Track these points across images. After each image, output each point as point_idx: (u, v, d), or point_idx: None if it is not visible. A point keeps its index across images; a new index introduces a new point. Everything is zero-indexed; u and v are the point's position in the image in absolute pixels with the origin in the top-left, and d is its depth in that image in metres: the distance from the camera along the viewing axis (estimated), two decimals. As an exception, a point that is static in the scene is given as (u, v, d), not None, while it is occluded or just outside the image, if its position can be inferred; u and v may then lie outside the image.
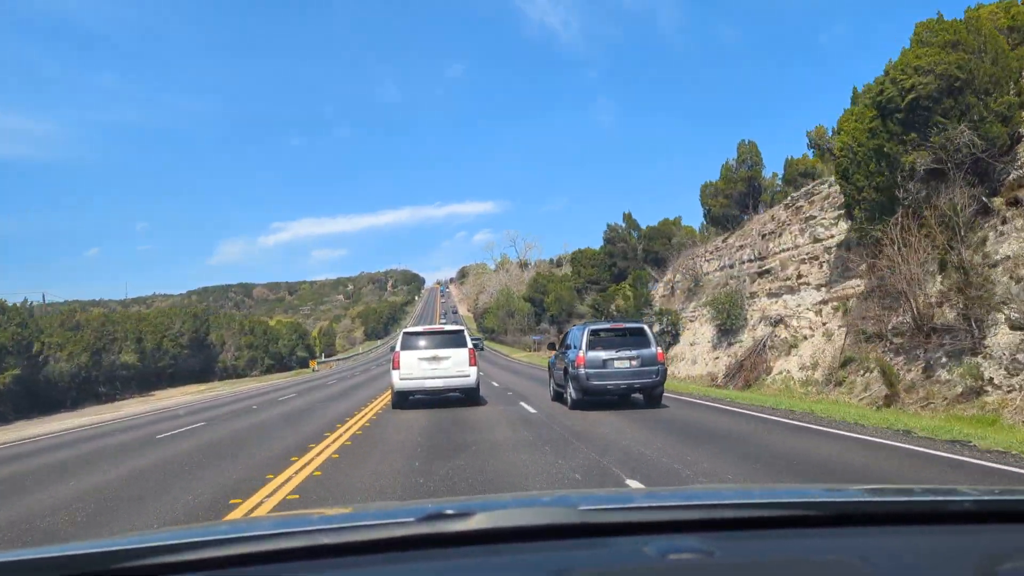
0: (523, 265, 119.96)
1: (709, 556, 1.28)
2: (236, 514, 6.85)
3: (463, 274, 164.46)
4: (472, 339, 18.38)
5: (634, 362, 15.68)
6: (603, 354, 15.66)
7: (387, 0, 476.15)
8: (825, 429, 11.40)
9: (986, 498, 1.59)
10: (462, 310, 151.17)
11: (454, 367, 16.93)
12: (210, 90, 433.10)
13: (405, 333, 17.86)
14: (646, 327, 16.83)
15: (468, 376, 16.99)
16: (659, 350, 15.92)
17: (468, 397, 17.58)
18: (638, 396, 16.41)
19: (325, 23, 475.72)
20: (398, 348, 17.13)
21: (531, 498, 2.42)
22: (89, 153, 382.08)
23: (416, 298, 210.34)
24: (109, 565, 1.29)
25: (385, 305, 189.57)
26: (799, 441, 10.37)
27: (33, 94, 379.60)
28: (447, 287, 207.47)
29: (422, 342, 17.29)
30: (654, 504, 1.65)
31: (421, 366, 16.88)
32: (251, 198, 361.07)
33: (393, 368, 17.02)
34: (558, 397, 17.83)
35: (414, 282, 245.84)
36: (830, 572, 1.29)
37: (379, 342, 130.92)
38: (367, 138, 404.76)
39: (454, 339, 17.36)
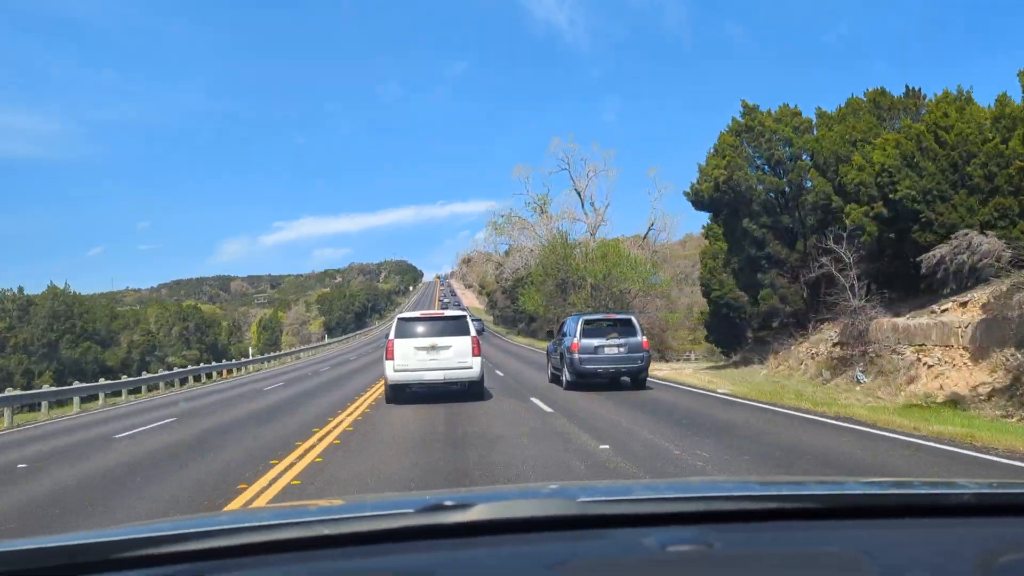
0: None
1: (708, 548, 1.26)
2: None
3: (467, 261, 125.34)
4: (472, 319, 16.94)
5: (622, 349, 17.49)
6: (595, 341, 17.44)
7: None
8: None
9: (986, 491, 1.58)
10: (469, 300, 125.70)
11: (455, 357, 15.34)
12: (212, 88, 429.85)
13: (400, 319, 16.20)
14: (633, 318, 19.09)
15: (471, 368, 15.45)
16: (644, 339, 17.96)
17: (471, 391, 16.08)
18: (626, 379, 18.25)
19: (328, 20, 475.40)
20: (392, 336, 15.60)
21: (530, 490, 2.28)
22: (91, 151, 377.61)
23: (411, 288, 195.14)
24: (108, 555, 1.26)
25: (360, 290, 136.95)
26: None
27: (34, 91, 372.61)
28: (447, 279, 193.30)
29: (419, 329, 15.64)
30: (653, 496, 1.62)
31: (418, 356, 15.26)
32: (253, 197, 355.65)
33: (387, 358, 15.58)
34: (555, 379, 19.56)
35: (409, 273, 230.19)
36: (829, 564, 1.27)
37: (326, 341, 75.32)
38: (370, 136, 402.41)
39: (455, 326, 15.80)
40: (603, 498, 1.57)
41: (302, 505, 2.11)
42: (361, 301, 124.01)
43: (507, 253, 70.44)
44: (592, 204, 66.75)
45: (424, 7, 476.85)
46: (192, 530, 1.35)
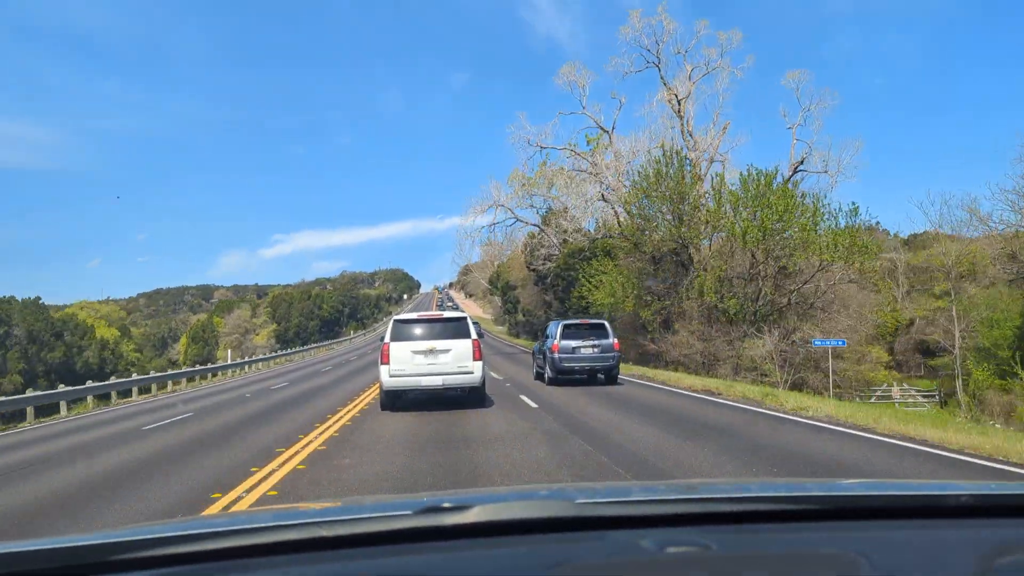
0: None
1: (707, 549, 1.28)
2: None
3: (466, 271, 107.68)
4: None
5: (595, 349, 19.81)
6: (573, 343, 19.78)
7: (391, 10, 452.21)
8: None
9: (983, 492, 1.60)
10: (472, 311, 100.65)
11: (455, 362, 14.54)
12: (213, 99, 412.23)
13: (396, 321, 15.48)
14: (606, 323, 21.28)
15: (472, 373, 14.65)
16: (615, 341, 20.45)
17: (471, 397, 15.37)
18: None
19: (329, 33, 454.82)
20: (387, 339, 14.84)
21: (528, 491, 2.25)
22: (91, 162, 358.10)
23: (405, 297, 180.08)
24: (107, 557, 1.29)
25: (332, 292, 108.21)
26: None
27: (36, 101, 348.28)
28: (446, 289, 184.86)
29: (416, 331, 14.88)
30: (651, 498, 1.63)
31: (415, 360, 14.49)
32: (252, 209, 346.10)
33: (382, 363, 14.77)
34: (539, 376, 21.98)
35: (404, 281, 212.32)
36: (827, 565, 1.29)
37: (223, 364, 44.71)
38: (370, 148, 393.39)
39: (455, 328, 14.95)
40: (601, 500, 1.58)
41: (300, 507, 2.10)
42: (333, 306, 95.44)
43: (546, 219, 42.81)
44: (689, 133, 39.12)
45: (425, 18, 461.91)
46: (190, 532, 1.37)
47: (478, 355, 14.53)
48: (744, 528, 1.40)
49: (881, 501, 1.60)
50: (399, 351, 14.31)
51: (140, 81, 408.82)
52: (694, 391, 17.94)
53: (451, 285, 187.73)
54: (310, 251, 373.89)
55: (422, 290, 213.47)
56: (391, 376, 14.38)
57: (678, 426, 11.94)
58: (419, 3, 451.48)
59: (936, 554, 1.32)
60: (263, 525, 1.40)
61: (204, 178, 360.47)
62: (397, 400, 15.00)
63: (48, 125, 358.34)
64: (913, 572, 1.25)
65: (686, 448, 9.74)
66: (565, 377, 19.75)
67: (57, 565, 1.27)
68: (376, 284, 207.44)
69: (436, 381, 14.30)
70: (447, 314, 15.82)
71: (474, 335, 14.78)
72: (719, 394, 16.97)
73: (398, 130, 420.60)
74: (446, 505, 1.38)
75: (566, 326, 20.39)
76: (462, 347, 14.33)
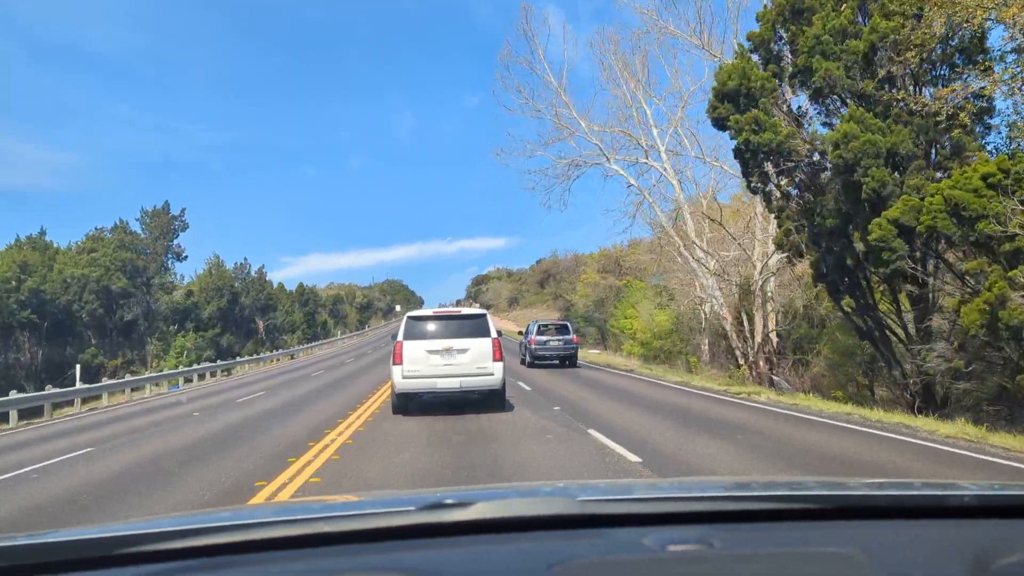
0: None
1: (709, 547, 1.29)
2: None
3: (479, 281, 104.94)
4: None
5: (561, 342, 29.63)
6: (544, 337, 29.71)
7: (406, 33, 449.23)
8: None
9: (986, 493, 1.60)
10: (504, 325, 75.92)
11: (473, 363, 13.75)
12: (223, 123, 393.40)
13: (409, 317, 14.68)
14: (568, 323, 33.49)
15: (492, 374, 13.88)
16: (575, 336, 31.28)
17: (489, 401, 14.65)
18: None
19: (340, 56, 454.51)
20: (400, 337, 14.16)
21: (531, 488, 2.22)
22: (102, 182, 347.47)
23: (398, 308, 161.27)
24: (112, 551, 1.31)
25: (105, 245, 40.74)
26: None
27: (49, 123, 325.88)
28: (452, 304, 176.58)
29: (431, 329, 14.15)
30: (654, 496, 1.65)
31: (430, 360, 13.72)
32: (260, 230, 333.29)
33: (394, 363, 14.05)
34: (522, 362, 31.32)
35: (402, 292, 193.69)
36: (829, 564, 1.30)
37: None
38: (380, 170, 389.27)
39: (473, 326, 14.25)
40: (603, 497, 1.58)
41: (304, 502, 2.03)
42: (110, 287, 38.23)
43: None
44: None
45: (438, 40, 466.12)
46: (195, 527, 1.38)
47: (498, 355, 13.82)
48: (746, 526, 1.39)
49: (884, 501, 1.59)
50: (413, 350, 13.55)
51: (154, 104, 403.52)
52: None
53: (459, 303, 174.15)
54: (318, 273, 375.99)
55: (425, 307, 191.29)
56: (404, 377, 13.57)
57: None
58: (434, 26, 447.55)
59: (938, 554, 1.31)
60: (266, 520, 1.40)
61: (213, 197, 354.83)
62: (410, 403, 14.21)
63: (62, 145, 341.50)
64: (915, 572, 1.25)
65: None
66: (540, 362, 29.14)
67: (60, 559, 1.26)
68: (371, 298, 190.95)
69: (453, 383, 13.53)
70: (465, 310, 15.25)
71: (494, 334, 14.06)
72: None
73: (410, 152, 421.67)
74: (449, 502, 1.38)
75: (540, 325, 30.69)
76: (481, 346, 13.62)
